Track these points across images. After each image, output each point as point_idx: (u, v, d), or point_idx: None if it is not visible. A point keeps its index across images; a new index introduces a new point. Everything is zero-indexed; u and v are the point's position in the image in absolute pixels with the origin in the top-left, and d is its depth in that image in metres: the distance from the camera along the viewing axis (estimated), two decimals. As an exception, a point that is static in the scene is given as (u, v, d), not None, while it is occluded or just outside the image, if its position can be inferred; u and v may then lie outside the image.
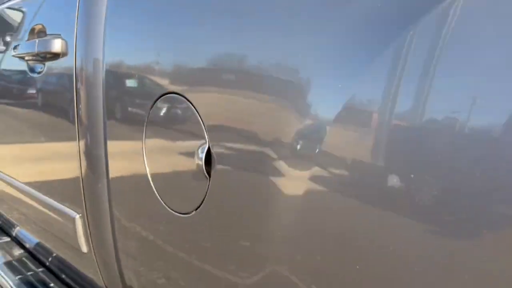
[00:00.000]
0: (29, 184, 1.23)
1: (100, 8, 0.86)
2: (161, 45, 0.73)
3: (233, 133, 0.60)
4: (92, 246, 1.00)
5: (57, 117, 1.05)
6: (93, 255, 1.01)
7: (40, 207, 1.17)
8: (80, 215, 0.99)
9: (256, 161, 0.56)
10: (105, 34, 0.85)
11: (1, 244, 1.81)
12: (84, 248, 1.01)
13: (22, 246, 1.78)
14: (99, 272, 1.04)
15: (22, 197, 1.28)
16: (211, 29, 0.64)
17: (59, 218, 1.06)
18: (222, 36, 0.62)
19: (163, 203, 0.73)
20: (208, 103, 0.63)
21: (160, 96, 0.70)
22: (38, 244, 1.53)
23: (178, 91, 0.67)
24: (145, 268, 0.87)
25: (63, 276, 1.42)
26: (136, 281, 0.94)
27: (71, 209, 1.02)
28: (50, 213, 1.11)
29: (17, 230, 1.72)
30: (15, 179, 1.31)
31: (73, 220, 1.00)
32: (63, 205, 1.05)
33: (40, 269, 1.59)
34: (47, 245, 1.43)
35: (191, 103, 0.64)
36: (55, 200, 1.09)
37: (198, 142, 0.64)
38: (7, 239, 1.86)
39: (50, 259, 1.47)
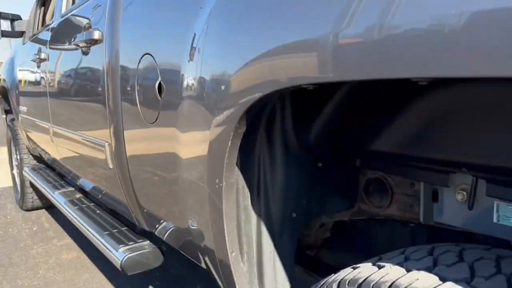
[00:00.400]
0: (80, 131, 1.88)
1: (118, 12, 1.45)
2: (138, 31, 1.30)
3: (171, 72, 1.15)
4: (115, 163, 1.58)
5: (96, 80, 1.65)
6: (116, 169, 1.59)
7: (87, 142, 1.80)
8: (108, 143, 1.59)
9: (179, 86, 1.10)
10: (121, 30, 1.44)
11: (67, 192, 2.50)
12: (111, 165, 1.61)
13: (81, 191, 2.45)
14: (120, 184, 1.63)
15: (77, 138, 1.93)
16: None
17: (97, 146, 1.67)
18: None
19: (144, 119, 1.29)
20: (160, 55, 1.19)
21: (142, 56, 1.27)
22: (92, 188, 2.17)
23: (148, 52, 1.23)
24: (139, 166, 1.44)
25: (106, 206, 2.05)
26: (137, 184, 1.50)
27: (103, 140, 1.62)
28: (92, 144, 1.73)
29: (79, 181, 2.38)
30: (72, 130, 1.97)
31: (104, 146, 1.61)
32: (99, 139, 1.66)
33: (92, 204, 2.24)
34: (95, 184, 2.05)
35: (152, 56, 1.20)
36: (94, 137, 1.71)
37: (156, 79, 1.19)
38: (72, 188, 2.55)
39: (100, 196, 2.10)
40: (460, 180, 0.98)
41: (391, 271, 0.74)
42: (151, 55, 1.22)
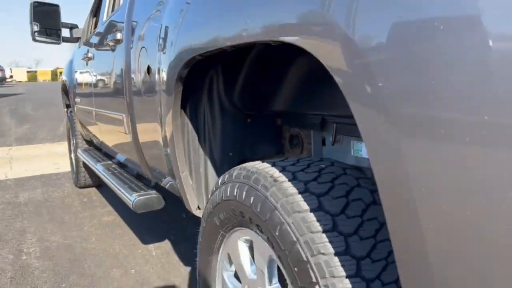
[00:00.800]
0: (110, 110, 2.53)
1: (131, 16, 2.08)
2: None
3: (153, 57, 1.74)
4: (130, 130, 2.20)
5: (119, 69, 2.29)
6: (131, 135, 2.21)
7: (114, 116, 2.44)
8: (126, 115, 2.22)
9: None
10: (132, 30, 2.07)
11: (105, 164, 3.18)
12: (127, 131, 2.24)
13: (116, 163, 3.13)
14: (133, 147, 2.25)
15: (109, 115, 2.59)
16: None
17: (117, 116, 2.31)
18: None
19: (142, 93, 1.89)
20: (148, 47, 1.78)
21: (141, 49, 1.87)
22: (125, 160, 2.82)
23: (143, 46, 1.83)
24: (143, 130, 2.04)
25: (133, 171, 2.69)
26: (143, 144, 2.11)
27: (121, 112, 2.25)
28: (116, 117, 2.37)
29: (117, 157, 3.05)
30: (105, 110, 2.64)
31: (122, 117, 2.24)
32: (118, 112, 2.30)
33: (122, 170, 2.90)
34: (120, 151, 2.70)
35: (145, 48, 1.80)
36: (116, 112, 2.35)
37: (147, 63, 1.79)
38: (110, 162, 3.24)
39: (129, 165, 2.75)
40: (330, 127, 1.48)
41: (272, 168, 1.20)
42: (144, 47, 1.83)
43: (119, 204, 3.64)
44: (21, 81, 44.24)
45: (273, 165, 1.14)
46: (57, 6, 3.66)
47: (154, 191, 2.30)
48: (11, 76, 43.37)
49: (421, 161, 0.60)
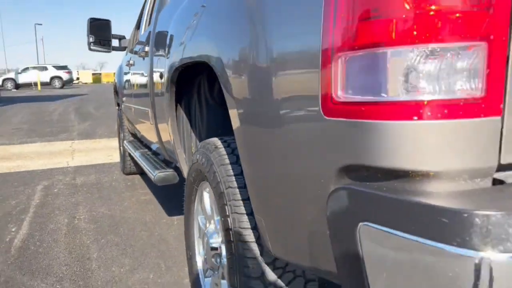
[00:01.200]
0: (142, 106, 3.25)
1: (154, 32, 2.77)
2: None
3: (162, 65, 2.41)
4: (154, 120, 2.89)
5: (147, 74, 2.99)
6: (154, 124, 2.90)
7: (144, 110, 3.16)
8: (150, 109, 2.91)
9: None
10: (154, 43, 2.76)
11: (141, 151, 3.92)
12: (151, 121, 2.93)
13: (153, 152, 3.87)
14: (156, 134, 2.94)
15: (142, 109, 3.31)
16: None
17: (145, 110, 3.02)
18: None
19: (159, 93, 2.57)
20: (159, 57, 2.46)
21: (158, 58, 2.55)
22: (156, 148, 3.54)
23: (158, 54, 2.51)
24: (160, 121, 2.72)
25: (162, 158, 3.41)
26: (161, 131, 2.79)
27: (147, 107, 2.95)
28: (145, 110, 3.08)
29: (151, 146, 3.78)
30: (137, 105, 3.36)
31: (148, 110, 2.94)
32: (146, 107, 3.00)
33: (153, 155, 3.63)
34: (149, 139, 3.41)
35: (159, 58, 2.48)
36: (145, 107, 3.06)
37: (160, 70, 2.46)
38: (147, 150, 3.98)
39: (159, 152, 3.47)
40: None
41: (218, 141, 1.85)
42: (160, 57, 2.50)
43: (156, 187, 4.39)
44: (86, 83, 47.37)
45: (220, 139, 1.76)
46: (108, 21, 4.47)
47: (171, 170, 2.98)
48: (77, 78, 46.57)
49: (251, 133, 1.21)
